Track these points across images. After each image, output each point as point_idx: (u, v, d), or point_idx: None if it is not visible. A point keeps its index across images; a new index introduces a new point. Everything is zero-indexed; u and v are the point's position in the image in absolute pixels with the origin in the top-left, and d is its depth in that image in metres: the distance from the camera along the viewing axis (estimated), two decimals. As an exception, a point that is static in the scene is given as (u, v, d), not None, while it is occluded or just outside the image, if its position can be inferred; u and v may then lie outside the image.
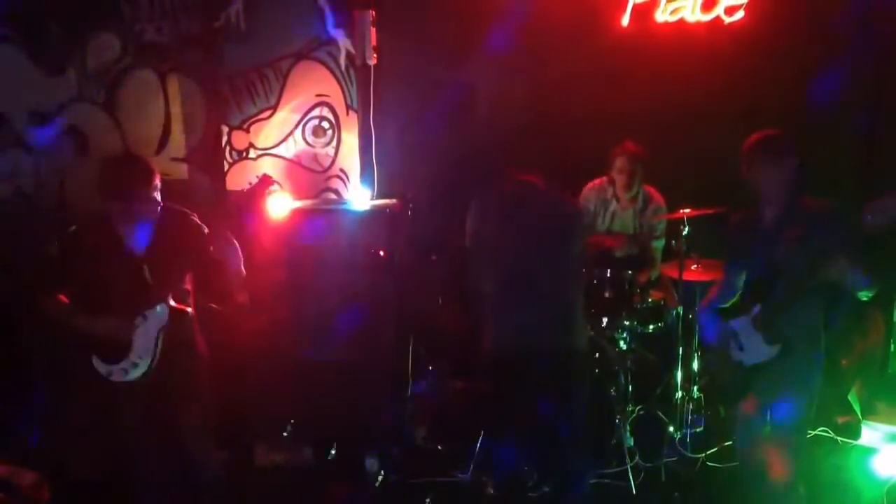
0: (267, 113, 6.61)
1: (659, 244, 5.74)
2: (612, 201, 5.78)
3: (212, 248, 4.25)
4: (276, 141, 6.64)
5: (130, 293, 4.05)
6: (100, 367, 4.06)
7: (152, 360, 4.07)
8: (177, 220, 4.20)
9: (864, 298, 3.73)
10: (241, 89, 6.58)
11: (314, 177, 6.63)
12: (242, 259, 4.40)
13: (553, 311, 4.03)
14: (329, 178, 6.64)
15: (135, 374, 4.07)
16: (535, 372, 4.02)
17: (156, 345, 4.07)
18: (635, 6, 6.06)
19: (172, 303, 4.09)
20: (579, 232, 4.18)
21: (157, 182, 4.06)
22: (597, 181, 5.85)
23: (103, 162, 4.29)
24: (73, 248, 4.09)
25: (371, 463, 5.22)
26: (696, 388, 5.42)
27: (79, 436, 5.06)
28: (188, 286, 4.24)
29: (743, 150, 3.85)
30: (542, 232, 4.07)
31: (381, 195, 6.18)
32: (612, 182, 5.75)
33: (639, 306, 5.27)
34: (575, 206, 4.09)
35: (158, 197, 4.06)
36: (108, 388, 4.09)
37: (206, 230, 4.24)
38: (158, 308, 4.06)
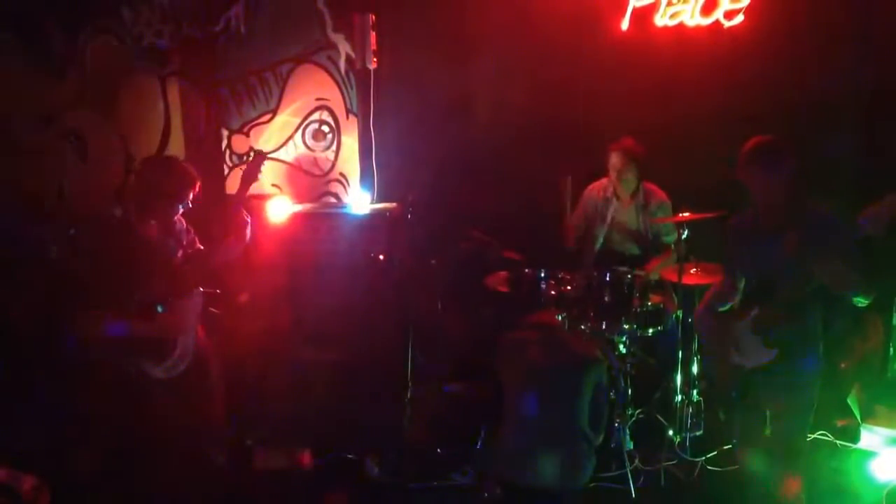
0: (267, 117, 6.63)
1: (670, 238, 5.73)
2: (612, 200, 5.80)
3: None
4: (276, 145, 6.65)
5: (166, 288, 4.17)
6: (150, 369, 4.16)
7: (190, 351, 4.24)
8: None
9: (861, 304, 3.74)
10: (240, 93, 6.60)
11: (314, 181, 6.65)
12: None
13: (557, 449, 4.10)
14: (329, 181, 6.65)
15: (180, 367, 4.22)
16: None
17: (194, 335, 4.25)
18: (635, 10, 6.08)
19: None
20: (592, 378, 4.26)
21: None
22: (598, 182, 5.87)
23: (150, 163, 4.52)
24: (99, 255, 4.22)
25: (370, 466, 5.22)
26: (695, 391, 5.42)
27: (79, 438, 5.06)
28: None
29: (739, 156, 3.85)
30: (553, 377, 4.17)
31: (380, 199, 6.20)
32: (612, 181, 5.77)
33: (638, 310, 5.27)
34: (589, 354, 4.26)
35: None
36: (143, 387, 4.20)
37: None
38: (195, 298, 4.24)
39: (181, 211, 4.32)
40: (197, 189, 4.29)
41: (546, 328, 4.41)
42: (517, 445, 4.11)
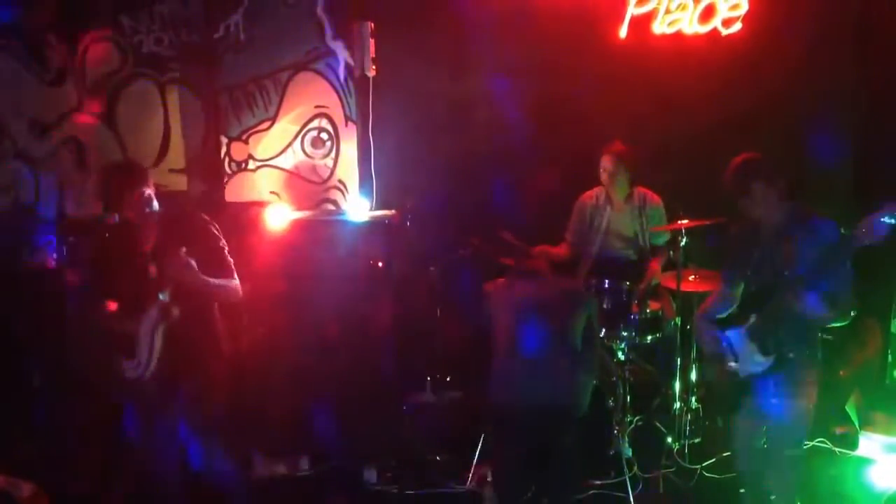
0: (266, 124, 6.63)
1: (662, 240, 5.79)
2: (605, 208, 5.81)
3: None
4: (276, 152, 6.65)
5: (138, 290, 4.15)
6: (123, 366, 4.18)
7: (154, 356, 4.14)
8: (185, 221, 4.31)
9: (838, 324, 3.77)
10: (240, 100, 6.60)
11: (313, 188, 6.65)
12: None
13: (556, 374, 4.14)
14: (328, 189, 6.65)
15: (146, 370, 4.15)
16: (534, 427, 4.20)
17: (153, 340, 4.13)
18: (633, 18, 6.10)
19: (164, 297, 4.10)
20: (583, 310, 4.31)
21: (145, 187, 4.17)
22: (590, 191, 5.89)
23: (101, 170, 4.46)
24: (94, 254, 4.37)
25: (369, 474, 5.22)
26: (694, 398, 5.42)
27: (78, 446, 5.07)
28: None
29: (722, 179, 3.90)
30: (547, 314, 4.25)
31: (379, 206, 6.20)
32: (605, 189, 5.80)
33: (637, 317, 5.28)
34: (578, 289, 4.33)
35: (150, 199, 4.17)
36: (118, 388, 4.22)
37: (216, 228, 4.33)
38: (157, 303, 4.11)
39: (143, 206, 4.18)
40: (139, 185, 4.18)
41: (533, 272, 4.46)
42: (514, 372, 4.13)
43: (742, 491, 4.28)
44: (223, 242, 4.30)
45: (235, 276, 4.32)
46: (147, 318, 4.10)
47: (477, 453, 5.11)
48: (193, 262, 4.00)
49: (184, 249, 3.98)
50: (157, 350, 4.12)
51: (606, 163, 5.68)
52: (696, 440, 5.37)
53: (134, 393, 4.24)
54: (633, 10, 6.10)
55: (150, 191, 4.18)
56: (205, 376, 4.28)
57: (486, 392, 4.40)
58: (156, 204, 4.20)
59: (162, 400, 4.21)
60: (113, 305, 4.23)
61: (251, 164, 6.66)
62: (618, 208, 5.80)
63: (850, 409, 5.44)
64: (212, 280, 4.13)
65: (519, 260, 4.58)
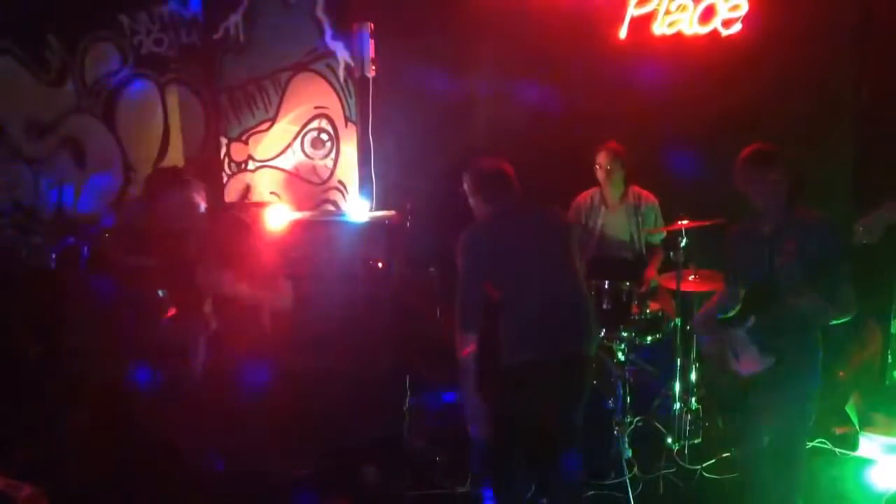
0: (266, 125, 6.64)
1: (658, 239, 5.83)
2: (601, 208, 5.84)
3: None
4: (275, 153, 6.66)
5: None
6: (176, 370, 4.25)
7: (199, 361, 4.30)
8: (224, 228, 4.43)
9: (839, 322, 3.77)
10: (239, 101, 6.61)
11: (313, 188, 6.65)
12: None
13: (571, 316, 4.08)
14: (328, 189, 6.66)
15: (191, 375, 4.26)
16: (555, 374, 4.03)
17: (198, 346, 4.29)
18: (633, 19, 6.10)
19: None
20: (574, 232, 4.28)
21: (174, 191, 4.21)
22: (587, 191, 5.91)
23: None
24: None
25: (369, 474, 5.21)
26: (694, 399, 5.42)
27: (77, 448, 5.05)
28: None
29: (735, 165, 3.87)
30: (542, 241, 4.15)
31: (379, 207, 6.20)
32: (600, 190, 5.82)
33: (637, 317, 5.28)
34: (560, 211, 4.24)
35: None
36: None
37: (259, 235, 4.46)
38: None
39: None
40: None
41: (501, 172, 4.40)
42: (525, 323, 4.04)
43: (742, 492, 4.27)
44: (265, 248, 4.32)
45: (282, 281, 4.30)
46: (188, 324, 4.18)
47: (476, 454, 5.10)
48: (226, 276, 4.02)
49: (216, 267, 4.02)
50: (200, 355, 4.18)
51: (602, 159, 5.72)
52: (696, 441, 5.35)
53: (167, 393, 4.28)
54: (632, 10, 6.10)
55: (195, 197, 4.22)
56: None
57: (497, 356, 4.12)
58: (201, 207, 4.22)
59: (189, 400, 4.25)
60: (172, 311, 4.25)
61: (251, 165, 6.67)
62: (613, 208, 5.83)
63: (850, 409, 5.44)
64: (246, 289, 4.14)
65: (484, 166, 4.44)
